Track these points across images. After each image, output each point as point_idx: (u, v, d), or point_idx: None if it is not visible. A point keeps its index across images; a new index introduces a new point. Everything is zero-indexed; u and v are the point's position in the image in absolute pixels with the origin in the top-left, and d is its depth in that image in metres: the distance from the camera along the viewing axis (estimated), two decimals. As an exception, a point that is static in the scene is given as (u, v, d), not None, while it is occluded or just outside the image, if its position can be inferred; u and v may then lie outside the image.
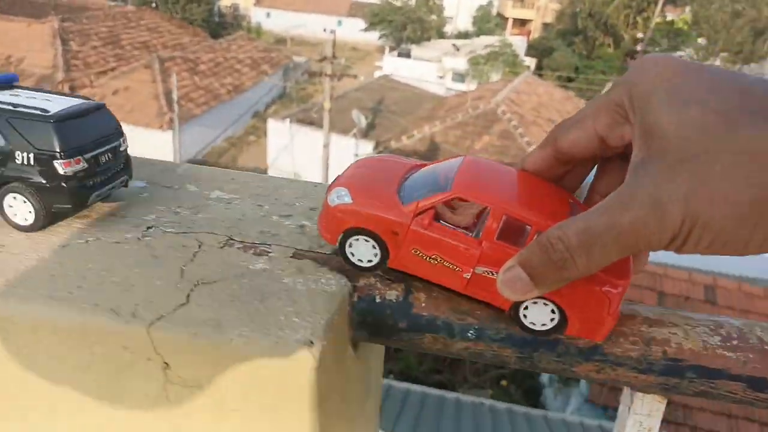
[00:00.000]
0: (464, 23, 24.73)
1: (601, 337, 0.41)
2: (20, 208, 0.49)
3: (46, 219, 0.49)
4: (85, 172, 0.49)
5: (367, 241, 0.42)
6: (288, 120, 12.21)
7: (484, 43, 18.56)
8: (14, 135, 0.47)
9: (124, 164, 0.55)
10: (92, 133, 0.50)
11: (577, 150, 0.40)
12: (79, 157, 0.48)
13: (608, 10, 17.75)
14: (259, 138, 14.54)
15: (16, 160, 0.48)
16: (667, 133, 0.32)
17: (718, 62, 14.85)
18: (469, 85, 16.57)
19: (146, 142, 11.54)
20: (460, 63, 17.68)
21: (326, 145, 10.22)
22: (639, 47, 14.52)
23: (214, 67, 14.96)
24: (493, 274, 0.40)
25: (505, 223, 0.39)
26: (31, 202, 0.48)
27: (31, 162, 0.48)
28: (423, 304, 0.46)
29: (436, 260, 0.41)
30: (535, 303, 0.40)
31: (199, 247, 0.50)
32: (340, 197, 0.43)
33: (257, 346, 0.40)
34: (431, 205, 0.40)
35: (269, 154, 12.77)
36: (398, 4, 21.52)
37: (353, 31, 23.45)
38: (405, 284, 0.47)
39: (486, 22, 23.15)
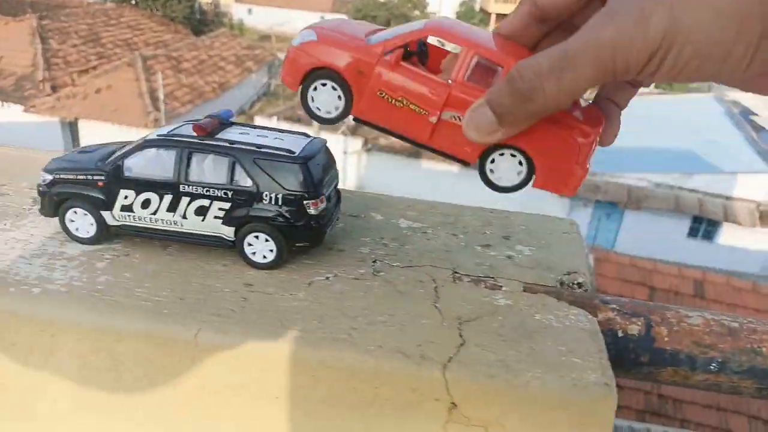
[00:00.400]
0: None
1: (571, 192, 0.39)
2: (261, 247, 0.49)
3: (285, 257, 0.50)
4: (326, 210, 0.50)
5: (333, 89, 0.40)
6: (275, 118, 12.13)
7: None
8: (262, 176, 0.48)
9: (338, 198, 0.55)
10: (325, 170, 0.51)
11: (556, 3, 0.38)
12: (323, 196, 0.49)
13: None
14: (244, 136, 14.39)
15: (264, 200, 0.48)
16: None
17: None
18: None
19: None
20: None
21: (317, 143, 10.16)
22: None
23: (198, 65, 14.78)
24: (460, 120, 0.38)
25: (476, 66, 0.38)
26: (275, 241, 0.49)
27: (279, 202, 0.48)
28: (666, 339, 0.48)
29: (402, 102, 0.39)
30: (502, 155, 0.39)
31: (434, 281, 0.51)
32: (304, 37, 0.41)
33: (553, 388, 0.41)
34: (400, 43, 0.39)
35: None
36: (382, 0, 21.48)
37: (335, 27, 23.24)
38: (644, 319, 0.49)
39: (469, 17, 23.24)
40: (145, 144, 0.49)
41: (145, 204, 0.49)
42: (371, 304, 0.47)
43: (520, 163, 0.39)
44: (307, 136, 0.53)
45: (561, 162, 0.38)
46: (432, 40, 0.42)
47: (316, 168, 0.49)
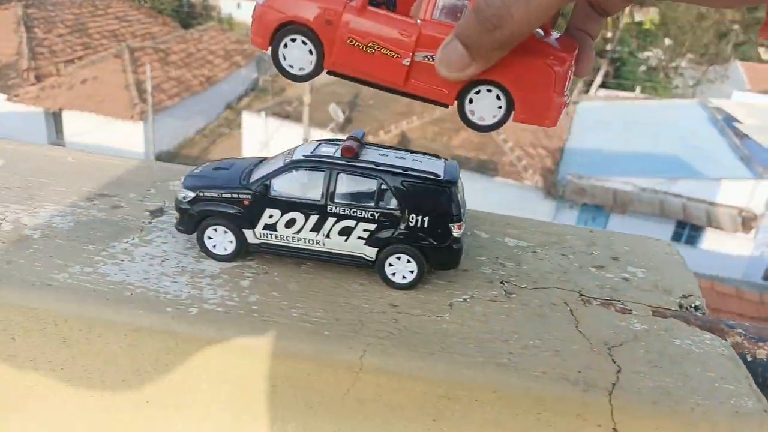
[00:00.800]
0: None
1: (552, 122, 0.38)
2: (401, 267, 0.50)
3: (422, 278, 0.50)
4: (464, 232, 0.50)
5: (304, 43, 0.39)
6: (263, 113, 12.05)
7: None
8: (409, 198, 0.48)
9: None
10: (463, 193, 0.51)
11: None
12: (464, 219, 0.49)
13: (577, 9, 17.95)
14: (232, 130, 14.29)
15: (409, 222, 0.48)
16: None
17: (684, 63, 15.32)
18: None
19: (117, 134, 11.22)
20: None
21: (306, 140, 10.15)
22: (608, 47, 14.88)
23: (186, 58, 14.61)
24: (433, 59, 0.37)
25: (444, 1, 0.37)
26: (417, 262, 0.49)
27: (426, 225, 0.48)
28: (794, 362, 0.49)
29: (373, 48, 0.38)
30: (478, 93, 0.38)
31: (566, 304, 0.52)
32: None
33: (716, 415, 0.42)
34: None
35: (244, 148, 12.58)
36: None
37: (323, 23, 23.14)
38: (772, 343, 0.50)
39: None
40: (294, 165, 0.49)
41: (290, 223, 0.49)
42: (518, 328, 0.48)
43: (498, 97, 0.38)
44: (438, 157, 0.54)
45: (539, 92, 0.38)
46: None
47: (459, 191, 0.50)
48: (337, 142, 0.52)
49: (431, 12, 0.37)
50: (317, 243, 0.49)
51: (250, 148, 12.11)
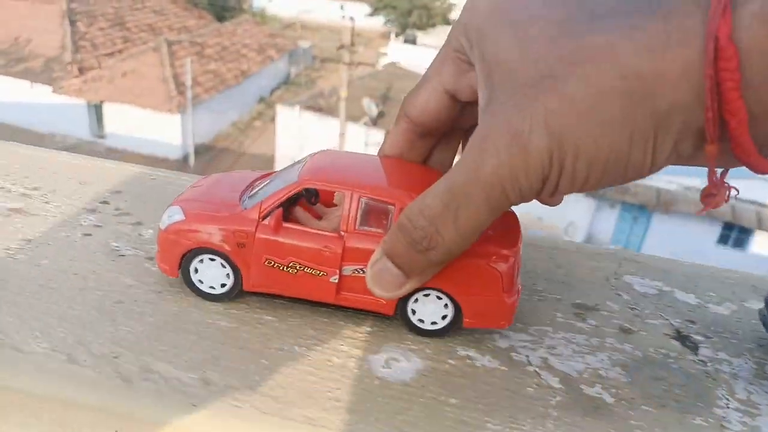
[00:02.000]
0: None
1: (507, 322, 0.35)
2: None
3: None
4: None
5: (212, 260, 0.35)
6: (297, 107, 12.11)
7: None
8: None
9: None
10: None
11: (430, 115, 0.35)
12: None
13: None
14: (265, 123, 14.43)
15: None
16: (510, 59, 0.28)
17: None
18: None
19: (156, 126, 11.41)
20: (466, 52, 17.55)
21: (342, 134, 10.18)
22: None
23: (221, 51, 14.77)
24: (363, 272, 0.34)
25: (366, 207, 0.34)
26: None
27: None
28: None
29: (296, 269, 0.35)
30: (417, 300, 0.35)
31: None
32: (171, 217, 0.36)
33: None
34: (277, 203, 0.35)
35: (278, 141, 12.67)
36: None
37: (356, 15, 23.24)
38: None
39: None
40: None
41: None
42: None
43: (439, 297, 0.35)
44: None
45: (487, 295, 0.34)
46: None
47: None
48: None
49: (354, 221, 0.34)
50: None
51: (284, 142, 12.16)
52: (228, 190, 0.38)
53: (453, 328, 0.36)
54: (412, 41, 18.69)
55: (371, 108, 11.52)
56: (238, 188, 0.38)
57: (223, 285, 0.36)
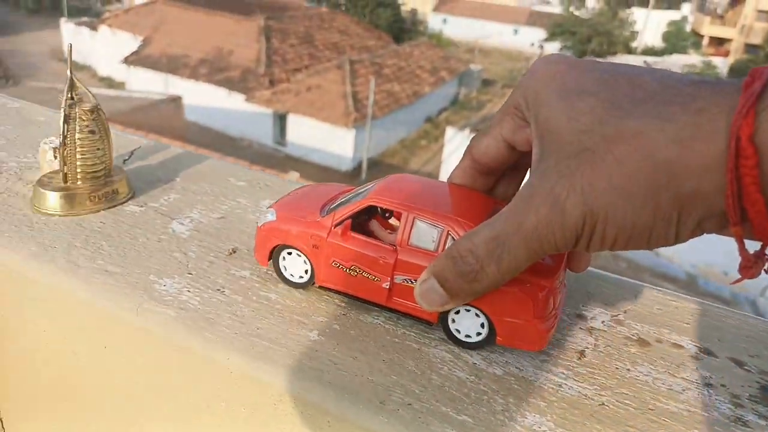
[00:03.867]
0: (652, 38, 23.00)
1: (538, 346, 0.37)
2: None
3: None
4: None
5: (299, 255, 0.42)
6: (467, 129, 12.06)
7: (679, 62, 17.08)
8: None
9: None
10: None
11: (490, 158, 0.40)
12: None
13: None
14: (430, 143, 14.59)
15: None
16: (559, 127, 0.31)
17: None
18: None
19: (330, 139, 12.01)
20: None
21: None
22: None
23: (397, 71, 15.26)
24: (412, 283, 0.38)
25: (418, 227, 0.38)
26: None
27: None
28: None
29: (356, 271, 0.40)
30: (458, 312, 0.38)
31: None
32: (266, 217, 0.43)
33: None
34: (347, 215, 0.40)
35: (444, 161, 12.71)
36: (581, 14, 20.52)
37: (529, 40, 22.76)
38: None
39: (681, 39, 21.32)
40: None
41: None
42: None
43: (478, 315, 0.38)
44: None
45: (519, 318, 0.37)
46: None
47: None
48: None
49: (407, 237, 0.38)
50: None
51: (452, 162, 12.16)
52: (314, 200, 0.44)
53: (487, 344, 0.38)
54: (589, 69, 17.81)
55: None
56: (323, 199, 0.44)
57: (301, 276, 0.42)
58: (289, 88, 12.86)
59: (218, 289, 0.42)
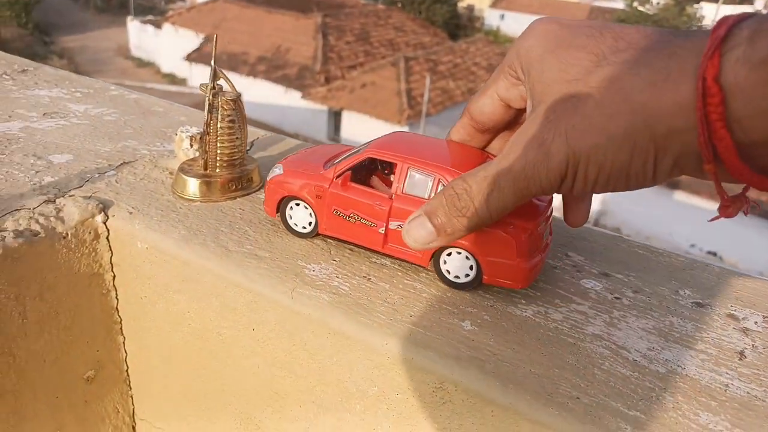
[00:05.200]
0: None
1: (521, 284, 0.40)
2: None
3: None
4: None
5: (305, 208, 0.45)
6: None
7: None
8: None
9: None
10: None
11: (488, 116, 0.42)
12: None
13: None
14: (484, 142, 14.40)
15: None
16: (550, 78, 0.34)
17: None
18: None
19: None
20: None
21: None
22: None
23: (452, 68, 15.14)
24: None
25: (412, 176, 0.41)
26: None
27: None
28: None
29: (354, 218, 0.43)
30: (450, 254, 0.41)
31: None
32: (274, 171, 0.47)
33: None
34: (348, 167, 0.44)
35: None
36: (645, 10, 19.81)
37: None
38: None
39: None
40: None
41: None
42: None
43: (467, 258, 0.40)
44: None
45: (503, 257, 0.39)
46: None
47: None
48: None
49: (402, 187, 0.42)
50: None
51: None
52: (319, 156, 0.47)
53: (474, 285, 0.41)
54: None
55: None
56: (327, 156, 0.47)
57: (304, 227, 0.46)
58: (344, 85, 12.97)
59: (364, 276, 0.43)
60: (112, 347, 0.53)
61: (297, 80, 13.30)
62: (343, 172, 0.44)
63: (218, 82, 0.51)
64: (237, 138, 0.52)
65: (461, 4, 22.51)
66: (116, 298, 0.51)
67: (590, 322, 0.40)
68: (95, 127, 0.67)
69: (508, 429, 0.34)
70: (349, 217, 0.43)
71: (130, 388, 0.56)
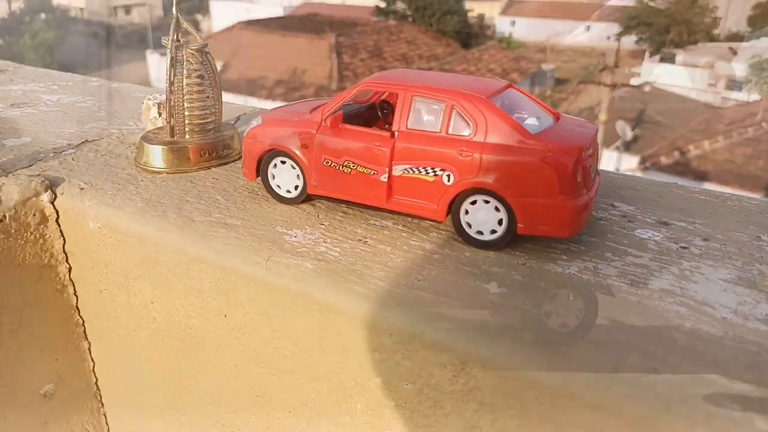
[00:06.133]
0: (736, 23, 21.55)
1: (568, 230, 0.30)
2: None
3: None
4: None
5: (293, 168, 0.37)
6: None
7: (773, 46, 15.83)
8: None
9: None
10: None
11: None
12: None
13: None
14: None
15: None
16: None
17: None
18: (750, 95, 14.23)
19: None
20: (739, 69, 15.31)
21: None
22: None
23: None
24: (413, 171, 0.33)
25: (416, 108, 0.33)
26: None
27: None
28: None
29: (349, 167, 0.35)
30: (474, 203, 0.32)
31: None
32: (251, 124, 0.40)
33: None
34: (338, 105, 0.36)
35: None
36: (656, 4, 19.51)
37: (603, 36, 21.93)
38: None
39: (767, 21, 19.81)
40: None
41: None
42: None
43: (497, 208, 0.31)
44: None
45: (543, 198, 0.30)
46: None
47: None
48: None
49: (405, 121, 0.33)
50: None
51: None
52: (304, 106, 0.40)
53: (500, 244, 0.31)
54: (671, 60, 16.92)
55: (625, 131, 10.58)
56: (312, 105, 0.40)
57: (289, 190, 0.38)
58: (360, 101, 13.00)
59: (360, 240, 0.34)
60: (75, 355, 0.45)
61: (313, 100, 13.36)
62: (333, 112, 0.36)
63: (182, 35, 0.43)
64: (208, 97, 0.44)
65: (471, 14, 22.49)
66: (75, 294, 0.43)
67: (655, 276, 0.30)
68: (65, 113, 0.60)
69: (562, 420, 0.24)
70: (342, 166, 0.35)
71: (102, 405, 0.48)
